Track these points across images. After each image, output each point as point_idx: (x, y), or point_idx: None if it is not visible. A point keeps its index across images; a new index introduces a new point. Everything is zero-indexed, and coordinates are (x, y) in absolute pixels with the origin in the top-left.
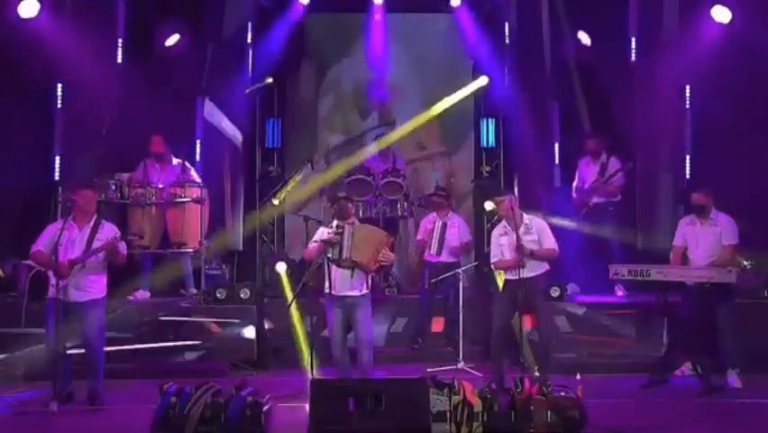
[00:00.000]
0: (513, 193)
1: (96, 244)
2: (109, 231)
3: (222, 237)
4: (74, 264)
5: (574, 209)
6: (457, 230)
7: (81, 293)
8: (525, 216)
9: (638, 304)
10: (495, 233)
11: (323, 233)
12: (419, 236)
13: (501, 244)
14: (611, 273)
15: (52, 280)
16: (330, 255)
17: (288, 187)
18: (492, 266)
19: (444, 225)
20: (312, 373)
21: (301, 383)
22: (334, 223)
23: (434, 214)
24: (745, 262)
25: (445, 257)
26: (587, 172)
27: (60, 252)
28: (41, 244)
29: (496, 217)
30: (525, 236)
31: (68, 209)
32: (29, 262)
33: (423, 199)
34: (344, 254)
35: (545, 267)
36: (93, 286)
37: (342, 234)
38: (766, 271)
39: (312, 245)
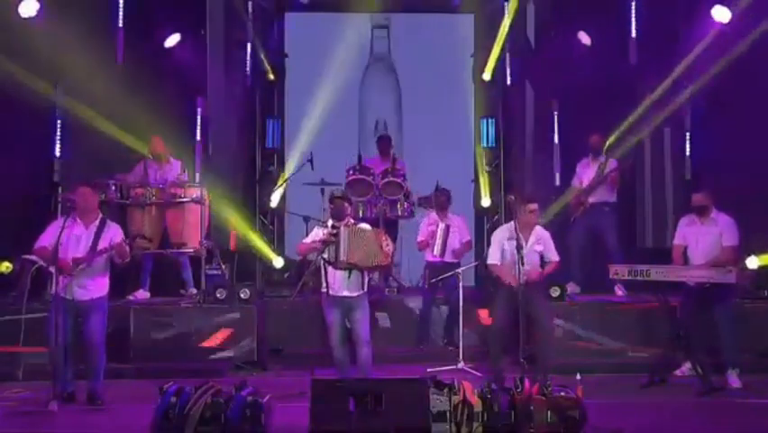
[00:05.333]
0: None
1: (102, 244)
2: (115, 232)
3: None
4: (79, 263)
5: (570, 209)
6: (458, 231)
7: (84, 291)
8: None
9: (638, 304)
10: (499, 234)
11: (318, 233)
12: (420, 237)
13: (505, 248)
14: (611, 273)
15: (55, 278)
16: (326, 256)
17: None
18: (489, 267)
19: (447, 228)
20: None
21: (301, 383)
22: (330, 223)
23: (434, 215)
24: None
25: (447, 258)
26: (585, 173)
27: (63, 248)
28: (46, 240)
29: (496, 217)
30: (535, 246)
31: (68, 209)
32: (32, 257)
33: (421, 199)
34: (341, 256)
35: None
36: (96, 285)
37: (337, 235)
38: (766, 271)
39: (306, 241)
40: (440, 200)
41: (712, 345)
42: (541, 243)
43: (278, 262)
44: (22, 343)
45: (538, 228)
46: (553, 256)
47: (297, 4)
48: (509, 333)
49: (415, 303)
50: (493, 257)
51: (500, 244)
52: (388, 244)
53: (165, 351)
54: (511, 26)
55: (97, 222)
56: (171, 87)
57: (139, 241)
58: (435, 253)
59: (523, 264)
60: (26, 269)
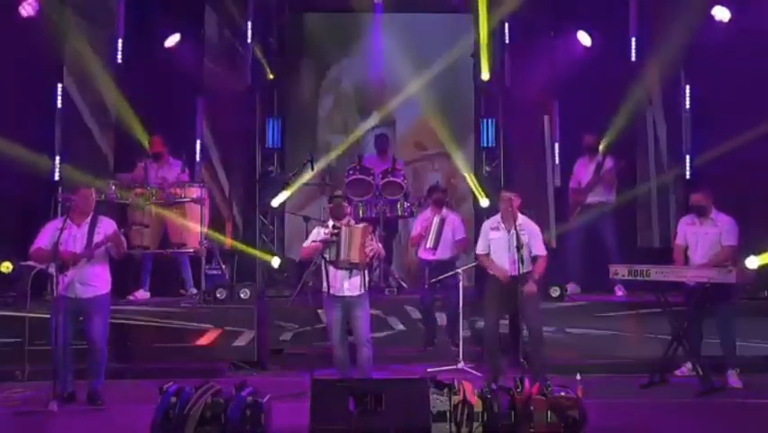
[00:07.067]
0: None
1: (97, 238)
2: (108, 225)
3: None
4: (79, 258)
5: (569, 209)
6: (453, 227)
7: (86, 288)
8: (519, 215)
9: (638, 304)
10: (486, 226)
11: (319, 233)
12: (414, 233)
13: (491, 238)
14: (611, 273)
15: (56, 278)
16: (327, 256)
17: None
18: (477, 258)
19: (442, 220)
20: None
21: (301, 383)
22: (330, 223)
23: (429, 212)
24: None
25: (441, 253)
26: (583, 172)
27: (62, 249)
28: (42, 242)
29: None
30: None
31: (67, 209)
32: (29, 262)
33: (422, 199)
34: (342, 256)
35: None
36: (97, 281)
37: (338, 234)
38: (766, 271)
39: (308, 245)
40: (436, 197)
41: (712, 345)
42: (524, 233)
43: (275, 262)
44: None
45: (522, 218)
46: (539, 250)
47: (297, 3)
48: (502, 331)
49: (415, 304)
50: (479, 247)
51: (486, 234)
52: (370, 245)
53: (165, 351)
54: (511, 26)
55: (89, 219)
56: (171, 87)
57: (135, 229)
58: (429, 245)
59: (523, 263)
60: (25, 274)
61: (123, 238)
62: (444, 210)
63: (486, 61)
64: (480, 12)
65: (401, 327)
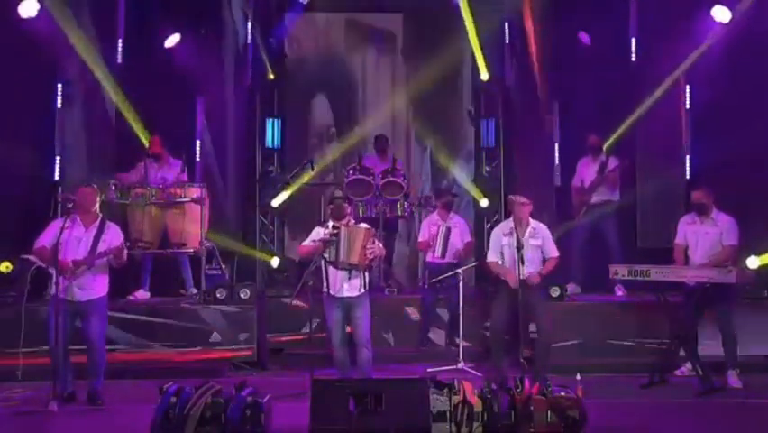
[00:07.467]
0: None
1: (101, 246)
2: (114, 235)
3: None
4: (80, 266)
5: (573, 209)
6: (459, 231)
7: (84, 292)
8: (531, 220)
9: (638, 304)
10: (497, 231)
11: (319, 233)
12: (421, 238)
13: (504, 244)
14: (611, 273)
15: (55, 279)
16: (327, 256)
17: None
18: (488, 265)
19: (449, 229)
20: None
21: (301, 383)
22: (330, 223)
23: (436, 216)
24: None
25: (449, 259)
26: (586, 172)
27: (63, 249)
28: (45, 240)
29: (495, 217)
30: (531, 240)
31: (67, 209)
32: (31, 257)
33: (422, 199)
34: (341, 257)
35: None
36: (95, 285)
37: (338, 234)
38: (766, 271)
39: (307, 243)
40: (445, 201)
41: (712, 346)
42: (538, 237)
43: (275, 262)
44: (21, 343)
45: (534, 222)
46: (552, 252)
47: (297, 4)
48: (509, 333)
49: (415, 304)
50: (491, 255)
51: (498, 240)
52: (371, 248)
53: (165, 351)
54: (512, 25)
55: (97, 223)
56: (171, 87)
57: (139, 245)
58: (437, 254)
59: (523, 263)
60: (25, 269)
61: (126, 251)
62: (450, 214)
63: (482, 62)
64: (465, 14)
65: (401, 333)
